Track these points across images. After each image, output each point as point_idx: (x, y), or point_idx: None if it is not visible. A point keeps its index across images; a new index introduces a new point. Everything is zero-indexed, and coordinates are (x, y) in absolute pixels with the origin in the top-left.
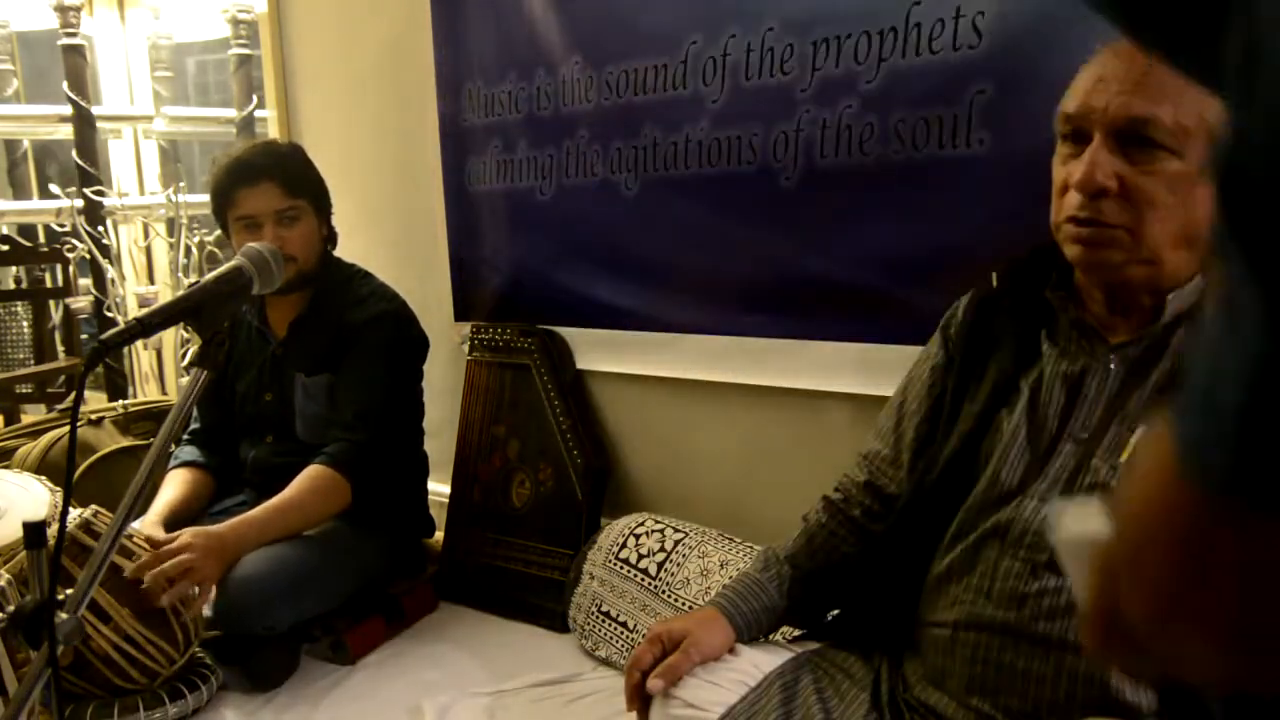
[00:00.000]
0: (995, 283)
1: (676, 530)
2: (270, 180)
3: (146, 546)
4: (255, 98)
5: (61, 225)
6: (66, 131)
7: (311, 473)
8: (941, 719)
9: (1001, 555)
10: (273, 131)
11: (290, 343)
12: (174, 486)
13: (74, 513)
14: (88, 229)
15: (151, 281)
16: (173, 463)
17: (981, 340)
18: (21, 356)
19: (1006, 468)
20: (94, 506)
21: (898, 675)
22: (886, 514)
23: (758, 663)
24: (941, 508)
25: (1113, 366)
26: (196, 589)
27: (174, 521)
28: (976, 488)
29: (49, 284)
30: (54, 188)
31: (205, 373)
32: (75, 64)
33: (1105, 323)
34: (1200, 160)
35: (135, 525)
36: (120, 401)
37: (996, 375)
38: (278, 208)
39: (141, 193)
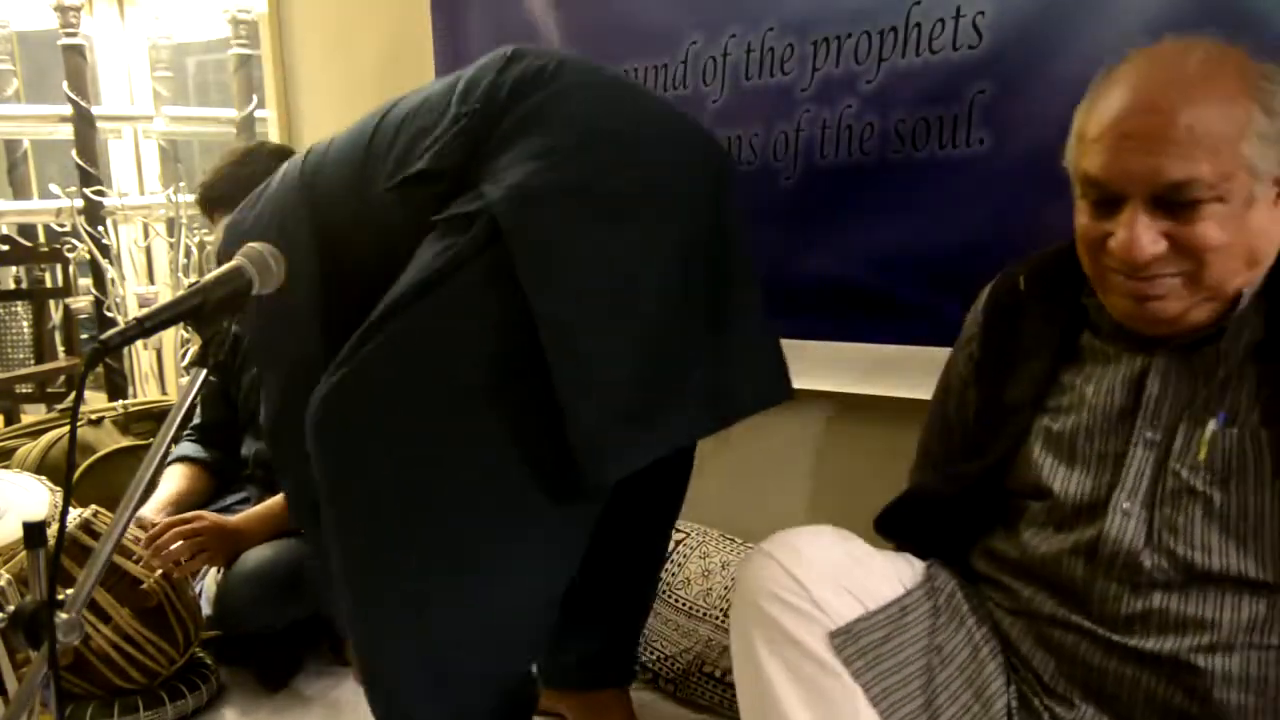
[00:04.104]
0: (1023, 286)
1: (677, 530)
2: None
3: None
4: (255, 98)
5: (61, 225)
6: (66, 131)
7: None
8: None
9: (1094, 575)
10: (273, 131)
11: None
12: (173, 481)
13: (74, 513)
14: (88, 229)
15: (151, 281)
16: (170, 458)
17: (1007, 344)
18: (21, 356)
19: (1074, 479)
20: (94, 506)
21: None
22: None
23: (900, 575)
24: (982, 516)
25: (1172, 364)
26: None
27: (174, 515)
28: (1036, 503)
29: (49, 284)
30: (54, 188)
31: (205, 372)
32: (75, 64)
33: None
34: (1245, 189)
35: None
36: (120, 401)
37: (1034, 380)
38: None
39: (141, 193)
